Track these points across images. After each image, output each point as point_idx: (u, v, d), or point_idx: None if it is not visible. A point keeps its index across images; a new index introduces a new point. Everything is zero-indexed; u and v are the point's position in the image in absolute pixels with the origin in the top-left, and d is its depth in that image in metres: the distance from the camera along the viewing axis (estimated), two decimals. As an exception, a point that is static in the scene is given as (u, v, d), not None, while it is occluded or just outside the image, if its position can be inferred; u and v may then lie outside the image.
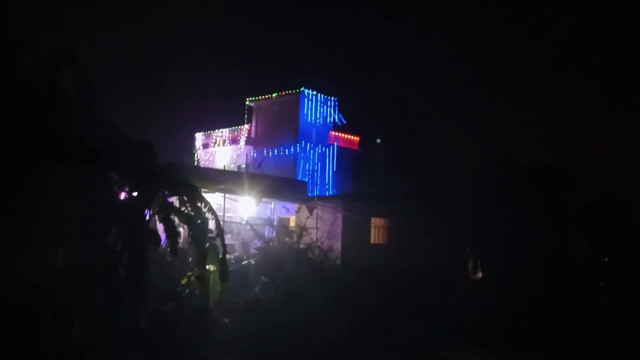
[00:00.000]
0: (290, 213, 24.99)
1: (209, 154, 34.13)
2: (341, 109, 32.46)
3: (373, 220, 25.00)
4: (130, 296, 10.86)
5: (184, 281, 13.63)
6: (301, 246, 19.59)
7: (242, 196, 22.15)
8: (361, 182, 30.38)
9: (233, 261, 17.73)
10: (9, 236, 8.43)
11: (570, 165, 26.49)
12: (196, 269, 12.68)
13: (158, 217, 11.84)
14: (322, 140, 31.39)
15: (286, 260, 18.53)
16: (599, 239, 24.17)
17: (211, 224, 12.67)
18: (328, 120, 31.91)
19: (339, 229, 23.40)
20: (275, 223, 22.92)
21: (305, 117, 30.71)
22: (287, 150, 30.55)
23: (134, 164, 11.31)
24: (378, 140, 32.34)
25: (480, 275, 24.86)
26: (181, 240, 14.45)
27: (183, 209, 12.00)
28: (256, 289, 16.99)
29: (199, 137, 35.12)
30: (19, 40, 8.80)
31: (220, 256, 12.41)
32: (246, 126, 32.67)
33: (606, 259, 24.10)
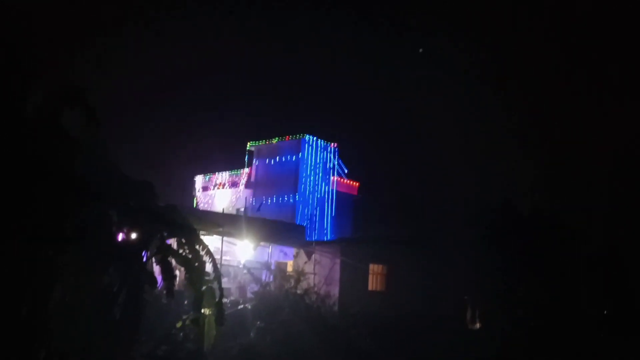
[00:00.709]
0: (288, 257, 24.88)
1: (209, 197, 34.23)
2: (341, 154, 32.77)
3: (371, 266, 24.87)
4: (125, 337, 10.74)
5: (179, 324, 13.52)
6: (298, 291, 19.45)
7: (240, 239, 22.09)
8: (360, 228, 30.36)
9: (229, 305, 17.56)
10: (7, 272, 8.41)
11: (569, 211, 26.53)
12: (192, 312, 12.60)
13: (155, 258, 11.81)
14: (322, 185, 31.53)
15: (283, 305, 18.37)
16: (599, 288, 24.01)
17: (208, 267, 12.64)
18: (328, 166, 32.13)
19: (336, 275, 23.25)
20: (272, 267, 22.79)
21: (305, 162, 30.93)
22: (286, 195, 30.63)
23: (134, 204, 11.36)
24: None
25: (478, 325, 24.58)
26: (177, 282, 14.38)
27: (181, 251, 12.00)
28: (252, 334, 16.78)
29: (199, 179, 35.30)
30: (26, 80, 9.00)
31: (217, 300, 12.34)
32: (246, 170, 32.89)
33: (605, 310, 23.89)
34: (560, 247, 23.79)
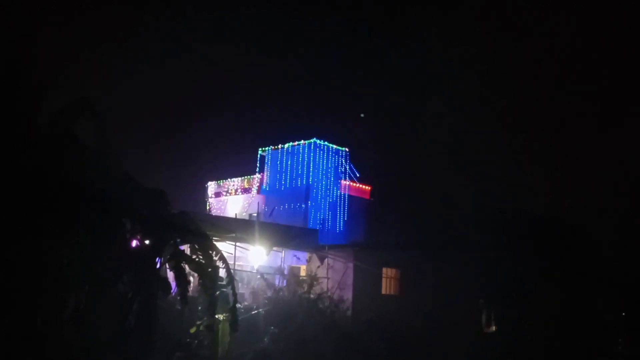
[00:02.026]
0: (301, 262, 24.82)
1: (221, 203, 34.29)
2: (352, 159, 32.72)
3: (384, 270, 24.72)
4: (139, 345, 10.75)
5: (193, 330, 13.51)
6: (312, 296, 19.38)
7: (253, 245, 22.09)
8: (372, 232, 30.25)
9: (242, 310, 17.54)
10: (21, 281, 8.44)
11: (583, 215, 26.24)
12: (205, 318, 12.60)
13: (169, 264, 11.83)
14: (333, 189, 31.49)
15: (296, 310, 18.31)
16: (615, 292, 23.71)
17: (222, 273, 12.63)
18: (339, 170, 32.10)
19: (350, 279, 23.14)
20: (285, 272, 22.74)
21: (316, 166, 30.92)
22: (298, 199, 30.61)
23: (147, 212, 11.39)
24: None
25: (494, 328, 24.39)
26: (191, 288, 14.39)
27: (194, 257, 12.02)
28: (265, 340, 16.74)
29: (211, 185, 35.39)
30: (40, 91, 9.07)
31: (231, 305, 12.34)
32: (258, 175, 32.93)
33: (623, 313, 23.61)
34: (575, 250, 23.54)
